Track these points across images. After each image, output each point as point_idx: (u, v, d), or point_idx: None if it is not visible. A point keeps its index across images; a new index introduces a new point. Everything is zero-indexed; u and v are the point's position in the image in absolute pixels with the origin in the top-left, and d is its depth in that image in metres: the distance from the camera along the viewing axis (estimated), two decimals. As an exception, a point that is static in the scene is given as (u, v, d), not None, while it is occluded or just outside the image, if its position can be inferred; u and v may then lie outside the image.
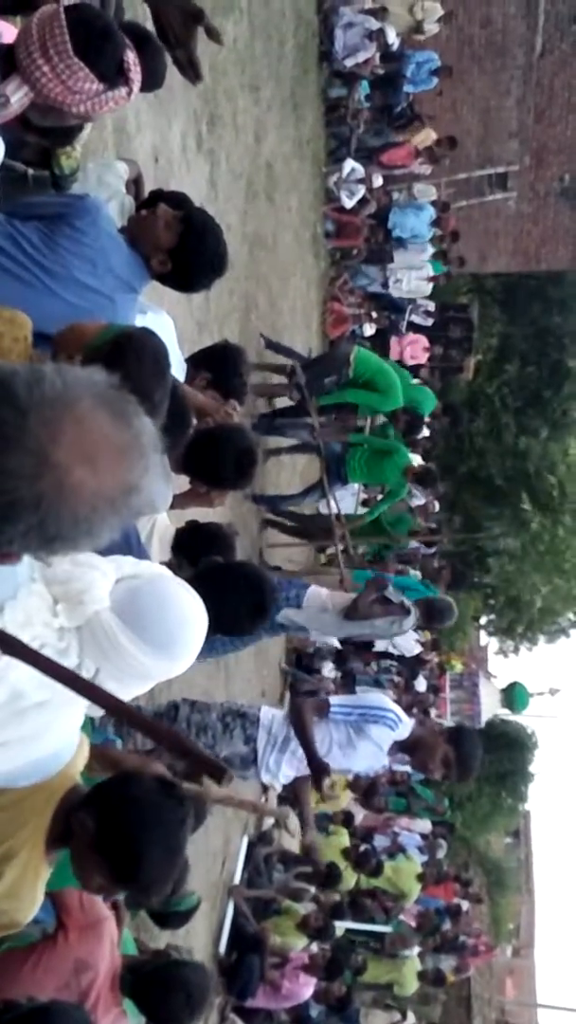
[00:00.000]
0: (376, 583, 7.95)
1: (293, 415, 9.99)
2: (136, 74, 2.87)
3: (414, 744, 4.87)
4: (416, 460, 10.67)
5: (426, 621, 7.96)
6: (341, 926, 10.68)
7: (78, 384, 1.26)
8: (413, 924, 12.64)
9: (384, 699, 5.13)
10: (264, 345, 10.06)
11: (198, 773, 2.02)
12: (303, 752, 4.80)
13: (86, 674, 2.14)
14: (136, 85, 2.89)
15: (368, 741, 4.84)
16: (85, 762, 2.54)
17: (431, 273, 15.15)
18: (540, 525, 19.19)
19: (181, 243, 3.39)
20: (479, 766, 5.13)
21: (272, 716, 4.95)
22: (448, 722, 18.03)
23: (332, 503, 9.88)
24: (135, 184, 4.37)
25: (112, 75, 2.80)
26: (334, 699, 5.06)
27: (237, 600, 3.54)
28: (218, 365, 4.36)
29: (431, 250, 15.14)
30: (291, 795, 5.50)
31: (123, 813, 2.40)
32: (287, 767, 4.92)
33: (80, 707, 2.20)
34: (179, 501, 4.08)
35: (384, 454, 9.72)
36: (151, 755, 3.47)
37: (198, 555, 3.85)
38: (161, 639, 2.24)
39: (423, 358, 15.26)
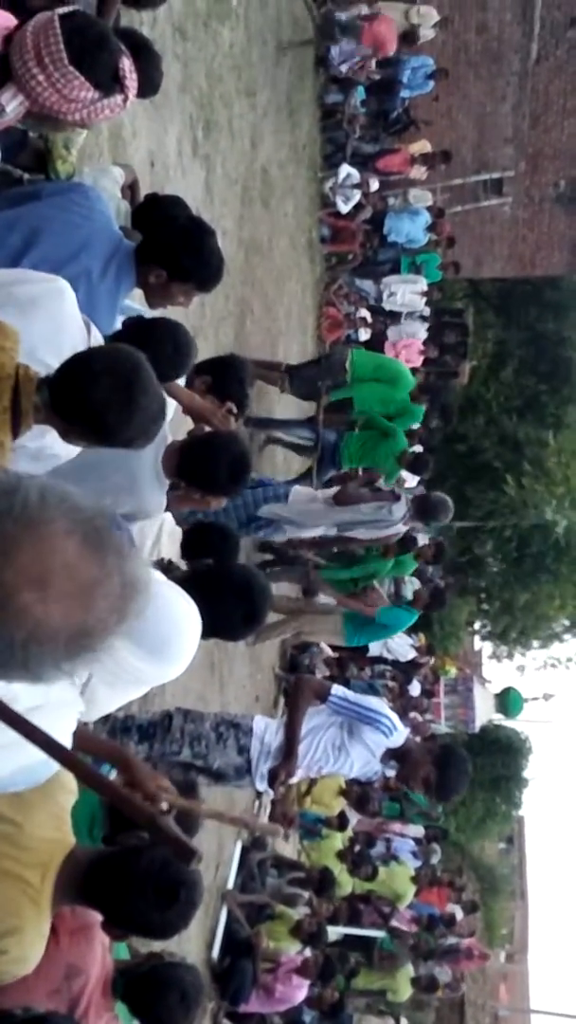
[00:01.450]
0: (368, 474, 7.88)
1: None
2: (132, 81, 2.87)
3: (402, 755, 4.87)
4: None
5: (419, 516, 7.74)
6: (335, 931, 10.66)
7: (59, 505, 1.18)
8: (407, 929, 12.62)
9: (383, 705, 5.12)
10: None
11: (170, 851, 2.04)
12: (286, 735, 4.81)
13: (79, 680, 2.14)
14: (132, 92, 2.89)
15: (361, 745, 4.84)
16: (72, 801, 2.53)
17: (424, 287, 15.17)
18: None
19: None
20: (460, 792, 5.10)
21: (265, 725, 4.95)
22: (443, 727, 18.02)
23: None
24: (131, 189, 4.39)
25: (108, 83, 2.80)
26: (336, 688, 5.05)
27: (229, 605, 3.52)
28: (220, 371, 4.37)
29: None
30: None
31: (132, 913, 2.43)
32: None
33: (72, 714, 2.20)
34: (175, 503, 4.09)
35: (382, 437, 9.64)
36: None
37: (202, 554, 3.85)
38: (156, 644, 2.24)
39: (418, 361, 15.23)
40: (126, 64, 2.90)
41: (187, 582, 3.52)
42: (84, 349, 2.45)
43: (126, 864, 2.39)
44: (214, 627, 3.15)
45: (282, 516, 7.09)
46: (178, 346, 3.46)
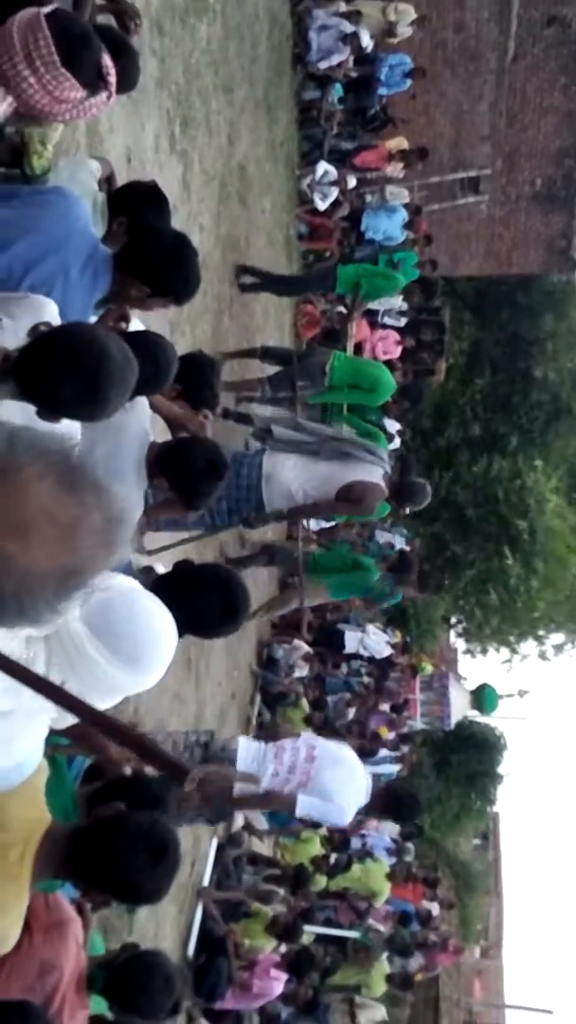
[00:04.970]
0: None
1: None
2: (113, 76, 2.90)
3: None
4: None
5: (395, 499, 7.51)
6: (309, 931, 10.67)
7: (28, 449, 1.18)
8: (382, 928, 12.65)
9: (344, 808, 5.10)
10: (237, 274, 10.14)
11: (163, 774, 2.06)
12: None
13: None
14: (113, 87, 2.91)
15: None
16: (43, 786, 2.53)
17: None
18: (517, 578, 19.44)
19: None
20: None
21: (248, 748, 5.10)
22: (419, 724, 18.07)
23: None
24: (107, 183, 4.37)
25: (93, 81, 2.81)
26: (302, 803, 5.05)
27: (208, 601, 3.51)
28: (188, 376, 4.38)
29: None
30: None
31: (110, 870, 2.45)
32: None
33: (44, 720, 2.18)
34: (153, 512, 4.09)
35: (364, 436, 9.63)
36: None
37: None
38: (131, 653, 2.22)
39: (396, 352, 15.24)
40: (107, 61, 2.91)
41: (164, 580, 3.51)
42: (44, 332, 2.42)
43: (114, 827, 2.45)
44: (192, 623, 3.14)
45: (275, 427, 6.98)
46: (159, 368, 3.48)
